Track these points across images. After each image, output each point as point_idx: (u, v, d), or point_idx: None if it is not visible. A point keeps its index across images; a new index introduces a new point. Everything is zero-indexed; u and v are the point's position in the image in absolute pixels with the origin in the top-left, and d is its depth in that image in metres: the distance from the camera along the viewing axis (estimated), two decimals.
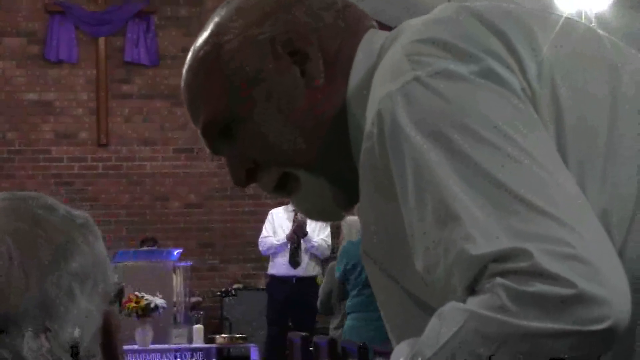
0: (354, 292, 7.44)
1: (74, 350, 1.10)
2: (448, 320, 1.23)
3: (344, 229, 8.45)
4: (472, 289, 1.23)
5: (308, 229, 9.62)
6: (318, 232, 9.66)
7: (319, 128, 1.47)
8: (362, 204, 1.40)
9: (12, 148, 11.54)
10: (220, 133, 1.50)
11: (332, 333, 8.37)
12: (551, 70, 1.33)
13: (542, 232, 1.20)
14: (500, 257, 1.20)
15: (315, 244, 9.59)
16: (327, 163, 1.48)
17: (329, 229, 9.71)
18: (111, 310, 1.16)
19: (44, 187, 11.08)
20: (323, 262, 9.80)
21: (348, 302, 7.58)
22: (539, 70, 1.32)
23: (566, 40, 1.37)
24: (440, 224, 1.24)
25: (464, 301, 1.23)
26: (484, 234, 1.21)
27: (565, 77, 1.33)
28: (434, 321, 1.25)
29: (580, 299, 1.18)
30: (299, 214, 9.49)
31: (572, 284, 1.18)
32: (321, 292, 8.60)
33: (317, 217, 1.60)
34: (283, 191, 1.52)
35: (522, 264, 1.19)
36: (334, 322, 8.58)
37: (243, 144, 1.49)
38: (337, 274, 7.72)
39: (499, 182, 1.23)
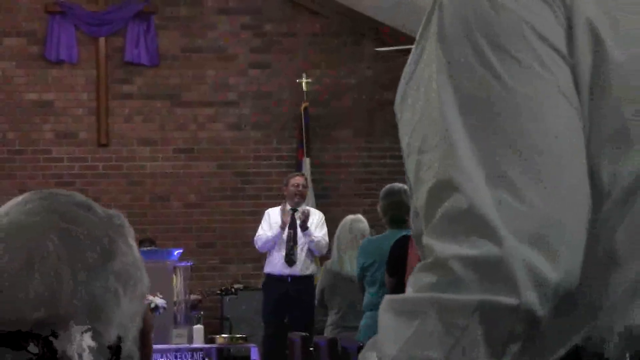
0: (372, 290, 7.43)
1: (117, 351, 1.08)
2: (406, 313, 1.21)
3: (338, 230, 8.48)
4: (427, 204, 1.24)
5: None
6: (315, 230, 9.65)
7: None
8: (415, 46, 1.41)
9: (13, 148, 11.54)
10: None
11: (326, 331, 8.39)
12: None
13: (512, 178, 1.20)
14: (451, 187, 1.21)
15: (315, 240, 9.57)
16: None
17: (326, 228, 9.70)
18: (147, 311, 1.14)
19: (44, 187, 11.06)
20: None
21: (365, 300, 7.57)
22: None
23: None
24: (430, 122, 1.27)
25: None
26: (462, 165, 1.22)
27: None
28: (388, 317, 1.22)
29: (497, 259, 1.17)
30: (287, 206, 9.52)
31: (499, 239, 1.17)
32: (317, 290, 8.66)
33: None
34: None
35: (461, 206, 1.20)
36: (328, 320, 8.59)
37: None
38: (355, 271, 7.73)
39: (500, 113, 1.24)
